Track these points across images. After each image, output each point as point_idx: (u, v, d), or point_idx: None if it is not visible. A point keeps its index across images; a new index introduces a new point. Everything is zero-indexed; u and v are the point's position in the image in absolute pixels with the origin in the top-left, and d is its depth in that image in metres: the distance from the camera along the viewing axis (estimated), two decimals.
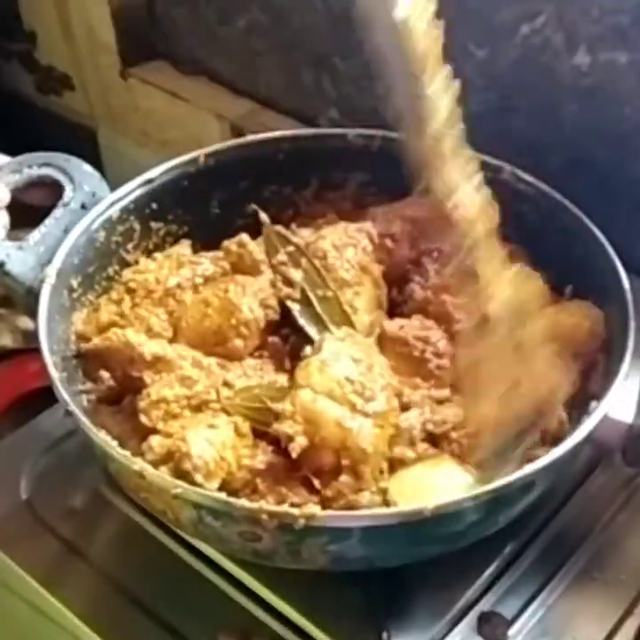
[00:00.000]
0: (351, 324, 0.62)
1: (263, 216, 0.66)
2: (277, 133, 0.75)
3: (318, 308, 0.62)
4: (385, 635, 0.58)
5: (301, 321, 0.62)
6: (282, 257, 0.63)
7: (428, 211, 0.67)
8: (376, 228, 0.68)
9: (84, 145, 1.07)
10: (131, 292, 0.65)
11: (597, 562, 0.63)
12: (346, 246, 0.65)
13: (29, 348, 0.96)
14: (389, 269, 0.67)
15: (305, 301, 0.62)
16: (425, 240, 0.68)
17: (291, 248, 0.64)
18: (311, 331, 0.61)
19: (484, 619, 0.60)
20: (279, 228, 0.65)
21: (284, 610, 0.60)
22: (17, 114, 1.14)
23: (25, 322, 0.98)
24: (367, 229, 0.67)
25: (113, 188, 0.70)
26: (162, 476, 0.51)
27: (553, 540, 0.63)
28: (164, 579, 0.63)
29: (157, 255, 0.69)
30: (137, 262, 0.69)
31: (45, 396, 0.65)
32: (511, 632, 0.59)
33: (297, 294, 0.62)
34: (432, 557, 0.56)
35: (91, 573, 0.64)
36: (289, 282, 0.62)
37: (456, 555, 0.56)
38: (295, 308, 0.62)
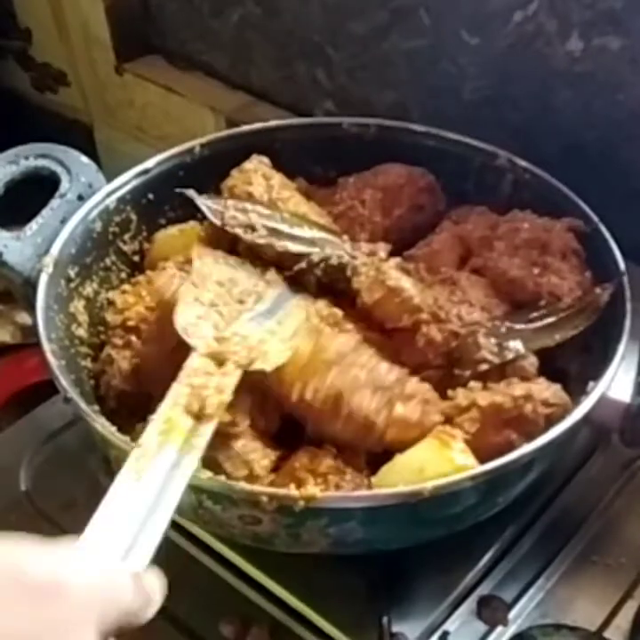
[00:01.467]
0: (321, 227, 0.64)
1: (190, 192, 0.66)
2: (272, 123, 0.75)
3: (290, 230, 0.63)
4: (385, 619, 0.58)
5: (289, 245, 0.62)
6: (230, 215, 0.64)
7: (398, 179, 0.68)
8: (346, 194, 0.69)
9: (81, 141, 1.06)
10: (132, 330, 0.64)
11: (596, 545, 0.63)
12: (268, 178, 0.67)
13: (28, 343, 0.96)
14: (370, 238, 0.68)
15: (274, 233, 0.63)
16: (397, 208, 0.68)
17: (230, 203, 0.64)
18: (301, 248, 0.62)
19: (483, 602, 0.60)
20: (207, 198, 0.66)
21: (285, 597, 0.60)
22: (13, 111, 1.15)
23: (23, 317, 0.98)
24: None
25: (109, 182, 0.70)
26: None
27: (552, 524, 0.64)
28: (163, 567, 0.63)
29: (126, 287, 0.68)
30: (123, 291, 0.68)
31: (44, 391, 0.65)
32: (511, 616, 0.59)
33: (264, 232, 0.63)
34: (432, 541, 0.56)
35: None
36: (250, 227, 0.63)
37: (456, 539, 0.56)
38: (275, 241, 0.63)
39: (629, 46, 0.68)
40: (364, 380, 0.54)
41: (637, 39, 0.67)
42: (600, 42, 0.69)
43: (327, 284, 0.62)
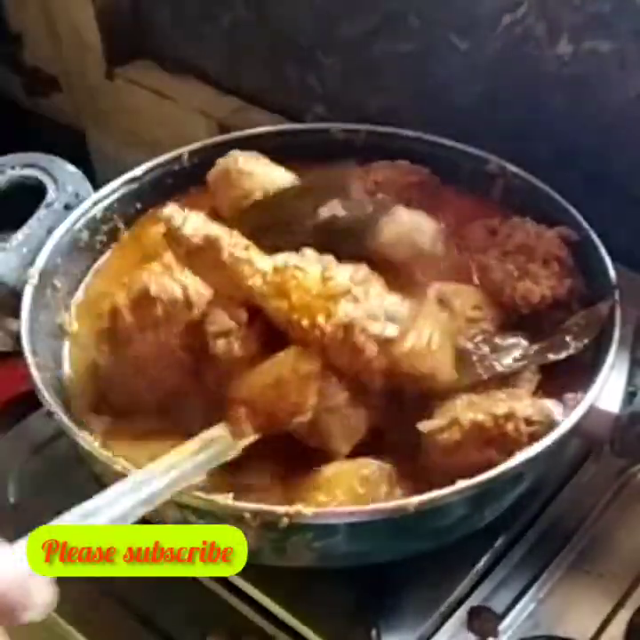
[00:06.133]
0: None
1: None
2: (261, 129, 0.75)
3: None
4: (374, 632, 0.57)
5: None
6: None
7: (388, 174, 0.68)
8: None
9: (73, 146, 1.06)
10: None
11: (588, 555, 0.62)
12: None
13: (19, 350, 0.95)
14: None
15: None
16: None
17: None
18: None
19: (474, 614, 0.59)
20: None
21: (274, 609, 0.60)
22: (4, 116, 1.14)
23: (15, 324, 0.98)
24: None
25: (97, 190, 0.69)
26: None
27: (543, 534, 0.63)
28: (152, 580, 0.63)
29: None
30: None
31: (36, 399, 0.65)
32: (502, 627, 0.59)
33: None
34: (420, 553, 0.55)
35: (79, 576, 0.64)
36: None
37: (445, 549, 0.55)
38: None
39: (619, 49, 0.67)
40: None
41: (627, 42, 0.66)
42: (590, 45, 0.68)
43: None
